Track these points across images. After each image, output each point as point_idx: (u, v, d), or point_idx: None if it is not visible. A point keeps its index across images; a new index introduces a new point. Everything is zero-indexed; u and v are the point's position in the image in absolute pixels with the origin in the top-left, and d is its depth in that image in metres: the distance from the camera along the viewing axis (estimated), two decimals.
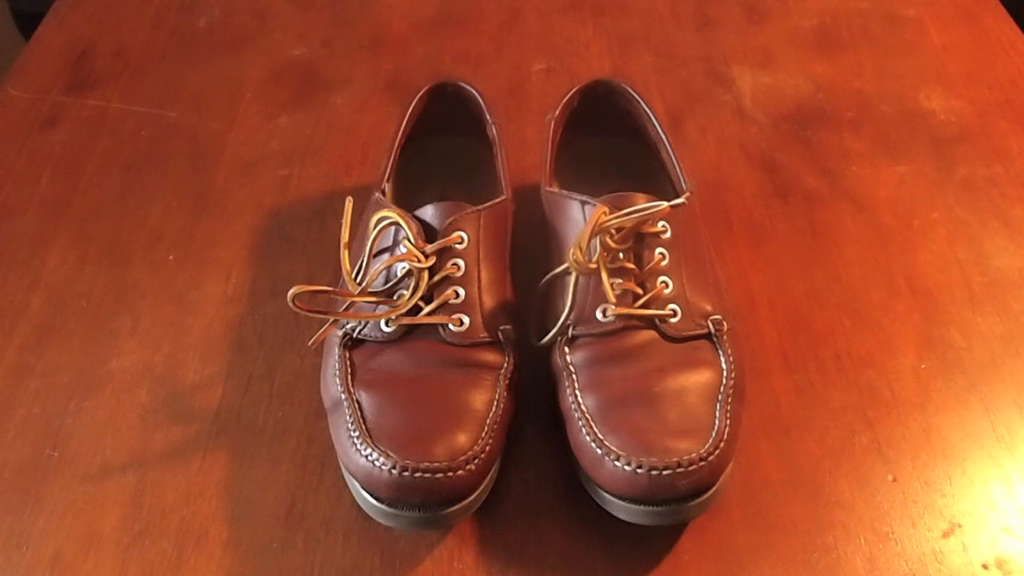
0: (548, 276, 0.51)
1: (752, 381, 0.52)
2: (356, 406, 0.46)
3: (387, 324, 0.49)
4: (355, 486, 0.46)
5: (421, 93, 0.61)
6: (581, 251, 0.48)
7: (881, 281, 0.59)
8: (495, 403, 0.47)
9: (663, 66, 0.76)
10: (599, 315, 0.49)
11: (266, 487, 0.49)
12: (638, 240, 0.50)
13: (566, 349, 0.49)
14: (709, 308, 0.50)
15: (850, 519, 0.47)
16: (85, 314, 0.59)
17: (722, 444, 0.44)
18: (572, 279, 0.49)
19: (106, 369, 0.55)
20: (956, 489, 0.49)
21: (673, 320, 0.49)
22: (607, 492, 0.45)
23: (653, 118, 0.60)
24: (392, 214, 0.50)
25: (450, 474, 0.43)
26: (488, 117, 0.60)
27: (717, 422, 0.45)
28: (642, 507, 0.44)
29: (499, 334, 0.50)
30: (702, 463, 0.43)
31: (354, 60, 0.78)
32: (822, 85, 0.74)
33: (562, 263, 0.50)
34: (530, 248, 0.57)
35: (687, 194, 0.53)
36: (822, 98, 0.72)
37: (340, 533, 0.47)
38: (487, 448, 0.45)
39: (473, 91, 0.61)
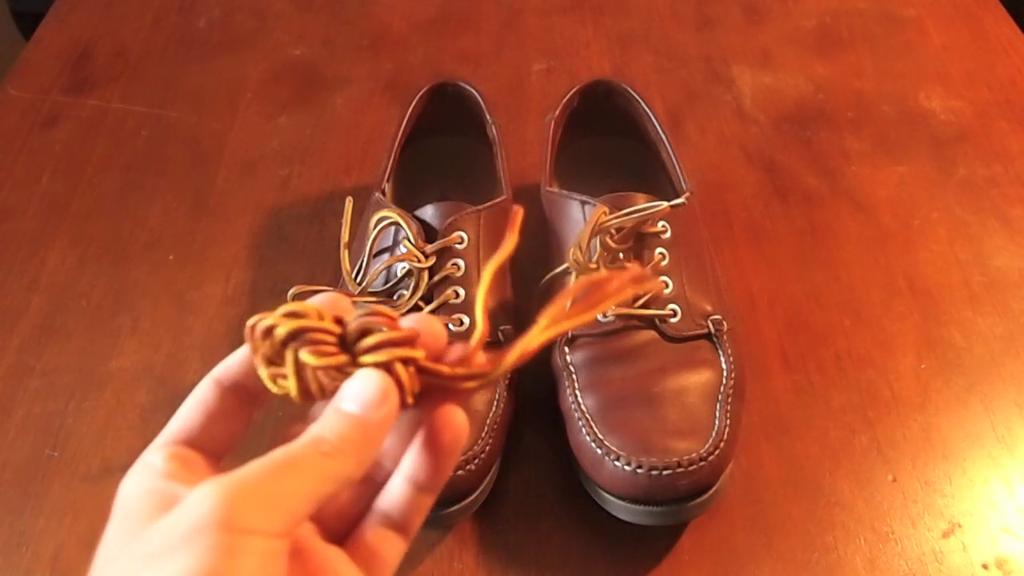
0: (548, 276, 0.51)
1: (752, 381, 0.52)
2: None
3: None
4: None
5: (421, 93, 0.61)
6: (581, 251, 0.48)
7: (881, 281, 0.59)
8: (495, 403, 0.47)
9: (663, 66, 0.76)
10: (599, 315, 0.49)
11: None
12: (638, 240, 0.50)
13: (566, 349, 0.49)
14: (709, 308, 0.50)
15: (850, 519, 0.47)
16: (85, 314, 0.59)
17: (722, 444, 0.44)
18: (572, 279, 0.49)
19: (106, 369, 0.55)
20: (956, 489, 0.49)
21: (673, 320, 0.49)
22: (607, 492, 0.45)
23: (653, 118, 0.60)
24: (392, 214, 0.50)
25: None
26: (488, 117, 0.60)
27: (717, 422, 0.45)
28: (642, 507, 0.44)
29: (499, 334, 0.50)
30: (702, 463, 0.43)
31: (354, 60, 0.78)
32: (822, 85, 0.74)
33: (562, 263, 0.50)
34: (530, 248, 0.57)
35: (687, 194, 0.53)
36: (822, 98, 0.72)
37: None
38: (487, 448, 0.45)
39: (473, 91, 0.61)
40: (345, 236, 0.50)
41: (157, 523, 0.23)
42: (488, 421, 0.46)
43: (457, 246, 0.50)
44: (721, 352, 0.48)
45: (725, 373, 0.47)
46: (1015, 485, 0.49)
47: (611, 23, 0.81)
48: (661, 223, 0.51)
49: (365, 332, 0.27)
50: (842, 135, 0.69)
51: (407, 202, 0.55)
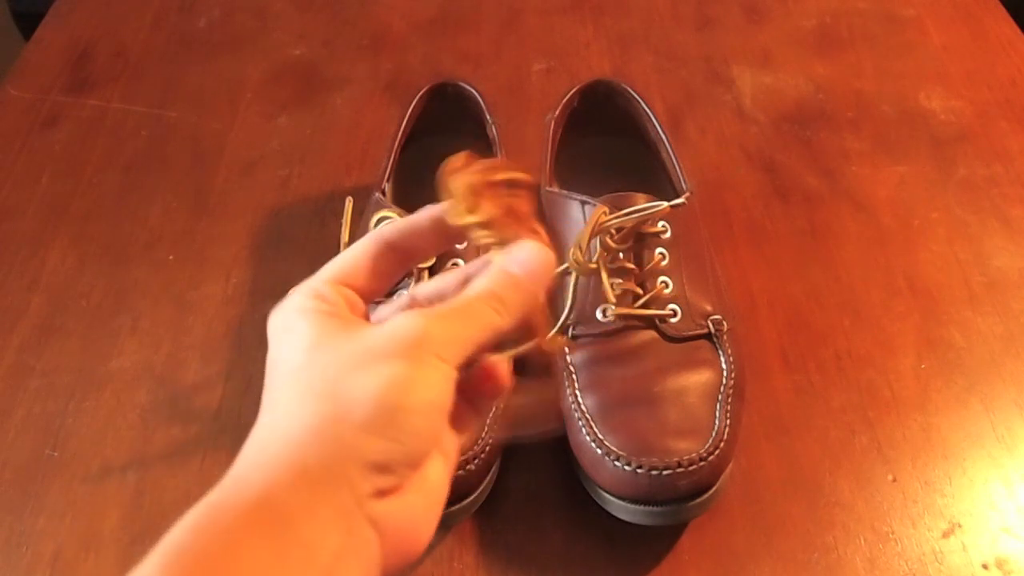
0: None
1: (752, 381, 0.52)
2: None
3: None
4: None
5: (421, 93, 0.61)
6: (581, 251, 0.48)
7: (881, 281, 0.59)
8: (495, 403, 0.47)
9: (663, 66, 0.76)
10: (599, 315, 0.49)
11: None
12: (638, 240, 0.50)
13: (566, 349, 0.49)
14: (709, 308, 0.50)
15: (850, 519, 0.47)
16: (85, 314, 0.59)
17: (722, 444, 0.44)
18: (572, 279, 0.49)
19: (106, 369, 0.55)
20: (956, 489, 0.49)
21: (673, 320, 0.49)
22: (607, 492, 0.45)
23: (653, 118, 0.60)
24: (392, 214, 0.50)
25: None
26: (488, 117, 0.60)
27: (717, 422, 0.45)
28: (642, 507, 0.44)
29: None
30: (702, 463, 0.43)
31: (354, 60, 0.78)
32: (822, 85, 0.74)
33: (562, 263, 0.50)
34: None
35: (687, 194, 0.53)
36: (822, 98, 0.72)
37: None
38: (487, 448, 0.45)
39: (473, 91, 0.61)
40: (345, 236, 0.50)
41: (362, 333, 0.29)
42: (488, 421, 0.46)
43: (457, 246, 0.50)
44: (721, 352, 0.48)
45: (725, 373, 0.47)
46: (1015, 485, 0.49)
47: (611, 23, 0.81)
48: (661, 223, 0.51)
49: None
50: (842, 135, 0.69)
51: (407, 202, 0.54)
